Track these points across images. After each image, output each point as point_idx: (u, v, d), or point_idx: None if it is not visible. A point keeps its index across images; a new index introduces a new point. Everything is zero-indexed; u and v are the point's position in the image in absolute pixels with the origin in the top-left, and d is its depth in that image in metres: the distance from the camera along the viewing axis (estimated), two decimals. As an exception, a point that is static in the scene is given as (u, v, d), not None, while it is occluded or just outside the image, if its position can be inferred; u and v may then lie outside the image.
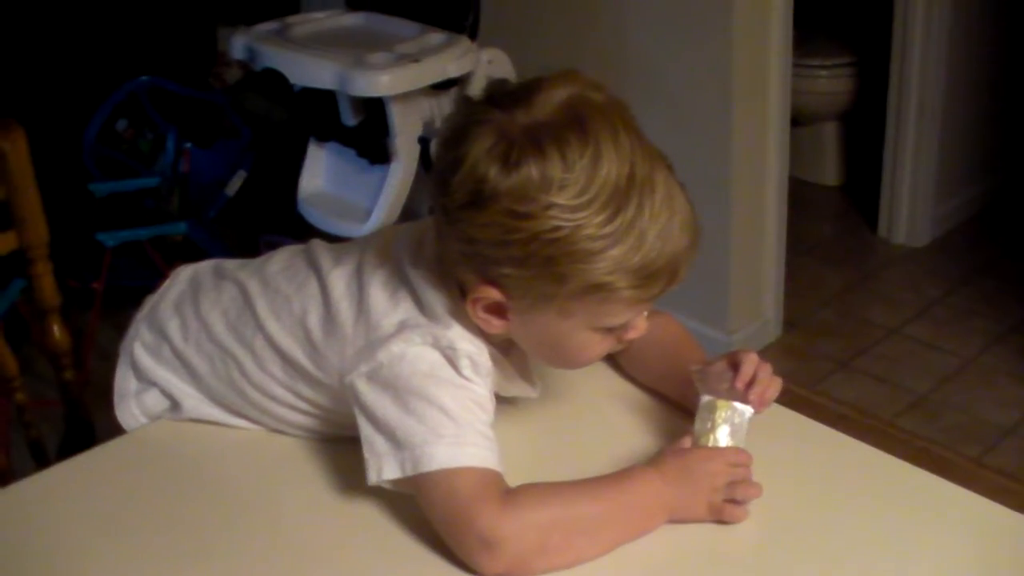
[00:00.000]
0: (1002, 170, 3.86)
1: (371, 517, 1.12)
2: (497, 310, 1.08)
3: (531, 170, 1.00)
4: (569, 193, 1.00)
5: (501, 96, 1.05)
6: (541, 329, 1.09)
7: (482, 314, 1.08)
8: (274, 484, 1.19)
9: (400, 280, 1.13)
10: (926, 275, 3.46)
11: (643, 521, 1.09)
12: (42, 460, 1.58)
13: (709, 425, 1.14)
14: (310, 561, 1.08)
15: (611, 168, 1.01)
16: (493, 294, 1.06)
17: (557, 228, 1.00)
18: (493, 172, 1.01)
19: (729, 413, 1.14)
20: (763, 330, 3.11)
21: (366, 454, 1.09)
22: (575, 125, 1.01)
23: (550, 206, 1.00)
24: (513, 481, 1.07)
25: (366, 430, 1.10)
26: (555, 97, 1.03)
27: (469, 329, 1.10)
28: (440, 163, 1.07)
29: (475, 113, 1.05)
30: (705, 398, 1.16)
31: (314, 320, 1.17)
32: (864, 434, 1.23)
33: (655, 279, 1.04)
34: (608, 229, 1.00)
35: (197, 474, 1.21)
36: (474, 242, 1.04)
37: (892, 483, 1.17)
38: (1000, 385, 2.92)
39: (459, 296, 1.09)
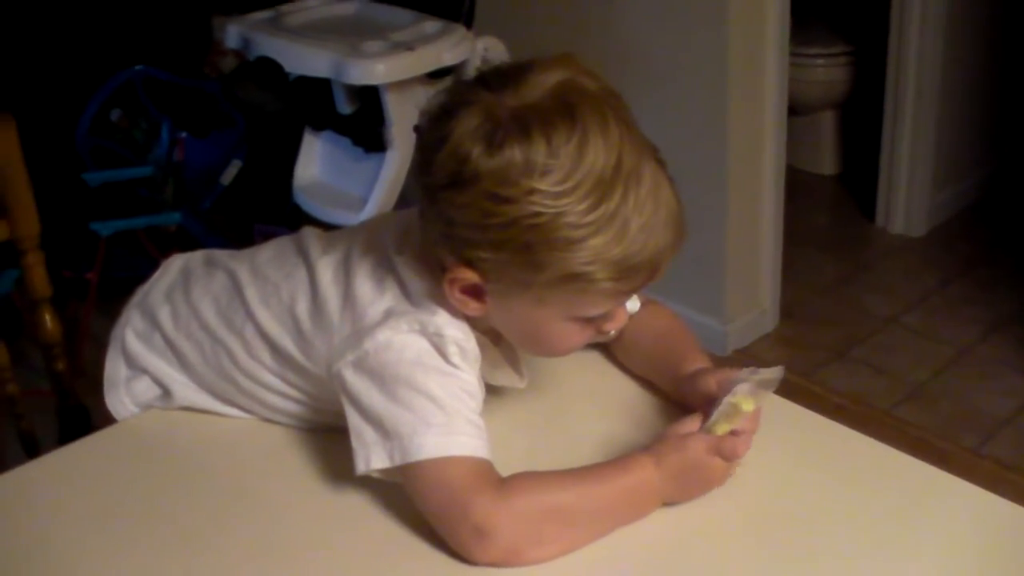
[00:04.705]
0: (999, 160, 3.86)
1: (363, 506, 1.11)
2: (474, 292, 1.06)
3: (515, 153, 0.98)
4: (552, 179, 0.98)
5: (492, 77, 1.03)
6: (518, 315, 1.07)
7: (459, 295, 1.06)
8: (265, 474, 1.18)
9: (386, 268, 1.12)
10: (923, 264, 3.46)
11: (637, 510, 1.08)
12: (33, 451, 1.58)
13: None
14: (301, 550, 1.07)
15: (597, 156, 0.99)
16: (470, 276, 1.04)
17: (537, 214, 0.98)
18: (476, 153, 0.99)
19: (754, 399, 1.10)
20: (760, 319, 3.11)
21: (354, 443, 1.08)
22: (564, 111, 0.99)
23: (532, 191, 0.98)
24: (504, 470, 1.06)
25: (354, 419, 1.09)
26: (547, 81, 1.01)
27: (455, 315, 1.08)
28: (424, 141, 1.05)
29: (464, 93, 1.03)
30: (729, 400, 1.09)
31: (302, 309, 1.16)
32: (861, 424, 1.22)
33: (635, 272, 1.02)
34: (590, 218, 0.98)
35: (188, 464, 1.21)
36: (453, 223, 1.02)
37: (890, 473, 1.16)
38: (997, 375, 2.92)
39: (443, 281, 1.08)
